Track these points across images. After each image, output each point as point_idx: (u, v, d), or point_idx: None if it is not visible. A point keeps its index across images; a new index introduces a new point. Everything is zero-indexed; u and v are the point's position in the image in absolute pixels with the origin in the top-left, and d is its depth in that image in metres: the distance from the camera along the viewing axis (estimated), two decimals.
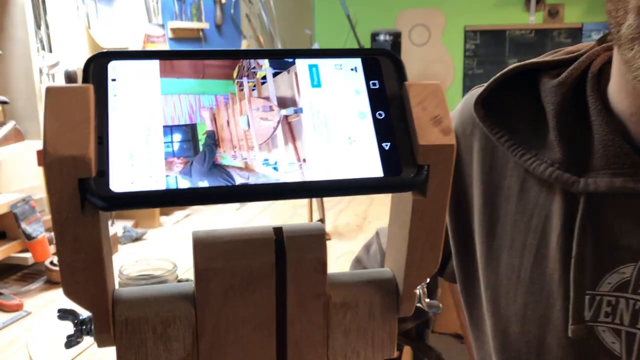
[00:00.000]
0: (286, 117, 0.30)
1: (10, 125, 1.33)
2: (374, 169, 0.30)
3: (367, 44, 3.17)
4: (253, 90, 0.30)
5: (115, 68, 0.29)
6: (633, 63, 0.52)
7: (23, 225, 1.25)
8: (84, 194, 0.26)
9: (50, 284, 1.33)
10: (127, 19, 1.83)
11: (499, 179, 0.66)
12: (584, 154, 0.60)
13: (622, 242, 0.58)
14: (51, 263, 1.32)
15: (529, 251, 0.63)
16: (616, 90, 0.59)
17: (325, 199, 1.74)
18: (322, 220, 1.71)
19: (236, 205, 1.91)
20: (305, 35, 3.50)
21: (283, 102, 0.30)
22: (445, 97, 0.31)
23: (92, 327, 0.31)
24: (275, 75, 0.31)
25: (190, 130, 0.29)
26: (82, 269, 0.28)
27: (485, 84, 0.65)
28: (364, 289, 0.33)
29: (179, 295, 0.31)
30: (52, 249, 1.35)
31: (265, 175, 0.28)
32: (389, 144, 0.30)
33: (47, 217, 1.44)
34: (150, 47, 1.94)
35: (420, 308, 0.35)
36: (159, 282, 0.92)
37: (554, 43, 3.19)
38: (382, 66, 0.32)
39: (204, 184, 0.28)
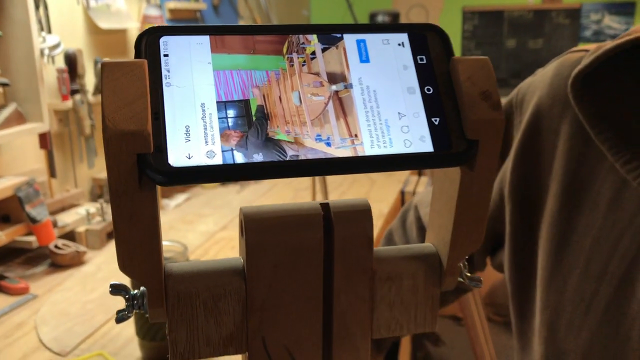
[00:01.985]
0: (337, 92, 0.30)
1: (11, 107, 1.31)
2: (424, 144, 0.30)
3: None
4: (303, 65, 0.30)
5: (166, 43, 0.29)
6: None
7: (27, 208, 1.25)
8: (142, 169, 0.26)
9: (55, 267, 1.32)
10: (125, 0, 1.81)
11: (588, 180, 0.53)
12: None
13: None
14: (55, 246, 1.32)
15: (610, 279, 0.51)
16: None
17: (328, 182, 1.74)
18: None
19: (237, 187, 1.91)
20: (303, 16, 3.47)
21: (333, 78, 0.30)
22: (493, 72, 0.31)
23: (143, 302, 0.31)
24: (324, 50, 0.31)
25: (243, 106, 0.29)
26: (138, 244, 0.28)
27: (589, 54, 0.50)
28: (408, 264, 0.34)
29: (229, 270, 0.32)
30: (56, 232, 1.35)
31: (319, 151, 0.29)
32: (438, 119, 0.30)
33: (51, 200, 1.44)
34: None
35: (461, 283, 0.35)
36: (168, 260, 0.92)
37: (552, 24, 3.19)
38: (429, 41, 0.32)
39: (259, 158, 0.28)
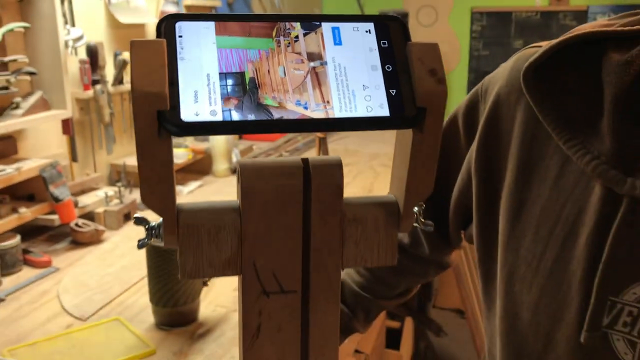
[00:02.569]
0: (314, 68, 0.38)
1: (37, 95, 1.41)
2: (383, 110, 0.38)
3: None
4: (288, 46, 0.38)
5: (181, 27, 0.37)
6: None
7: (51, 188, 1.34)
8: (160, 122, 0.35)
9: (76, 244, 1.42)
10: None
11: (538, 157, 0.60)
12: (637, 151, 0.53)
13: None
14: (76, 225, 1.41)
15: (554, 241, 0.58)
16: None
17: None
18: None
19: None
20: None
21: (311, 56, 0.38)
22: (440, 54, 0.39)
23: (160, 231, 0.39)
24: (305, 35, 0.39)
25: (240, 77, 0.37)
26: (157, 181, 0.36)
27: (541, 49, 0.56)
28: (372, 208, 0.42)
29: (228, 208, 0.40)
30: (77, 212, 1.44)
31: (298, 113, 0.37)
32: (394, 90, 0.38)
33: (71, 183, 1.53)
34: None
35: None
36: None
37: (559, 25, 3.24)
38: (391, 29, 0.40)
39: (251, 117, 0.36)
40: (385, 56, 0.39)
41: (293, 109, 0.37)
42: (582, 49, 0.56)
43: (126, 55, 1.76)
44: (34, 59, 1.42)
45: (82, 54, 1.62)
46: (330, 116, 0.37)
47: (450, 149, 0.75)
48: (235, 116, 0.36)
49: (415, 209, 0.42)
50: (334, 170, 0.40)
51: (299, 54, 0.38)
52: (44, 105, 1.41)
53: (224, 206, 0.40)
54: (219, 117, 0.35)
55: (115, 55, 1.74)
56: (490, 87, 0.66)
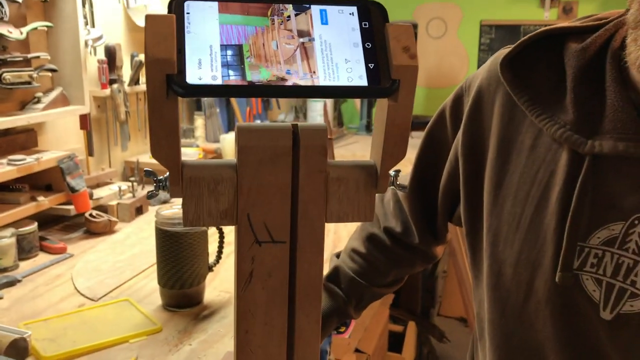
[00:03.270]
0: (303, 43, 0.44)
1: (57, 91, 1.48)
2: (362, 80, 0.43)
3: None
4: (281, 24, 0.44)
5: (189, 5, 0.43)
6: (630, 50, 0.58)
7: (68, 179, 1.41)
8: (169, 84, 0.40)
9: (90, 234, 1.49)
10: (161, 1, 1.98)
11: (515, 134, 0.70)
12: (595, 118, 0.63)
13: (616, 202, 0.62)
14: (90, 215, 1.48)
15: (531, 201, 0.67)
16: (633, 61, 0.60)
17: None
18: None
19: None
20: None
21: (301, 33, 0.44)
22: (413, 34, 0.45)
23: (166, 183, 0.45)
24: (296, 15, 0.45)
25: (238, 49, 0.43)
26: (165, 136, 0.42)
27: (514, 45, 0.68)
28: (353, 170, 0.47)
29: (226, 165, 0.46)
30: (91, 204, 1.51)
31: (288, 80, 0.42)
32: (373, 64, 0.44)
33: (87, 176, 1.60)
34: None
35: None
36: None
37: None
38: (372, 12, 0.46)
39: (246, 82, 0.42)
40: (366, 35, 0.45)
41: (284, 77, 0.43)
42: (548, 43, 0.68)
43: (142, 57, 1.84)
44: (56, 57, 1.49)
45: (101, 54, 1.69)
46: (316, 84, 0.43)
47: (438, 142, 0.83)
48: (233, 81, 0.42)
49: (392, 173, 0.47)
50: (320, 133, 0.46)
51: (290, 31, 0.44)
52: (63, 100, 1.49)
53: (223, 163, 0.46)
54: (219, 82, 0.41)
55: (132, 57, 1.82)
56: (472, 82, 0.76)
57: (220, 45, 0.43)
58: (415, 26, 2.98)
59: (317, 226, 0.48)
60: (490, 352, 0.75)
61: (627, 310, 0.63)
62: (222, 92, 0.42)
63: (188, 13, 0.43)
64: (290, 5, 0.45)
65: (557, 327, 0.67)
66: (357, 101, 3.29)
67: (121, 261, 1.32)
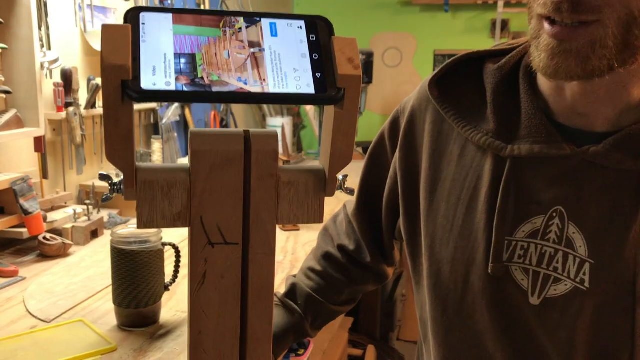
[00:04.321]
0: (254, 53, 0.47)
1: (11, 113, 1.47)
2: (309, 89, 0.46)
3: None
4: (232, 35, 0.47)
5: (144, 17, 0.45)
6: (533, 57, 0.65)
7: (21, 201, 1.39)
8: (124, 89, 0.42)
9: (43, 257, 1.46)
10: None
11: (444, 146, 0.78)
12: (512, 126, 0.71)
13: (535, 198, 0.70)
14: (44, 238, 1.46)
15: (462, 204, 0.75)
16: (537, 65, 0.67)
17: None
18: None
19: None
20: None
21: (252, 44, 0.47)
22: (357, 47, 0.48)
23: (121, 186, 0.47)
24: (247, 27, 0.47)
25: (191, 57, 0.45)
26: (119, 140, 0.44)
27: (440, 68, 0.78)
28: (303, 174, 0.50)
29: (180, 169, 0.47)
30: (45, 227, 1.49)
31: (239, 87, 0.45)
32: (320, 74, 0.47)
33: (41, 199, 1.58)
34: None
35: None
36: (145, 241, 1.07)
37: None
38: (319, 25, 0.49)
39: (199, 89, 0.44)
40: (313, 47, 0.48)
41: (235, 84, 0.45)
42: (469, 65, 0.77)
43: (99, 80, 1.83)
44: (10, 79, 1.48)
45: (57, 78, 1.69)
46: (266, 91, 0.45)
47: (380, 163, 0.90)
48: (186, 87, 0.44)
49: (340, 177, 0.50)
50: (271, 139, 0.48)
51: (242, 41, 0.47)
52: (17, 122, 1.47)
53: (177, 167, 0.48)
54: (172, 87, 0.43)
55: (89, 81, 1.82)
56: (406, 104, 0.86)
57: (174, 53, 0.45)
58: (371, 54, 3.06)
59: (269, 228, 0.50)
60: (435, 350, 0.80)
61: (551, 294, 0.70)
62: (174, 97, 0.44)
63: (143, 24, 0.45)
64: (242, 18, 0.48)
65: (493, 316, 0.73)
66: (316, 128, 3.33)
67: (75, 283, 1.30)
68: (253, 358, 0.51)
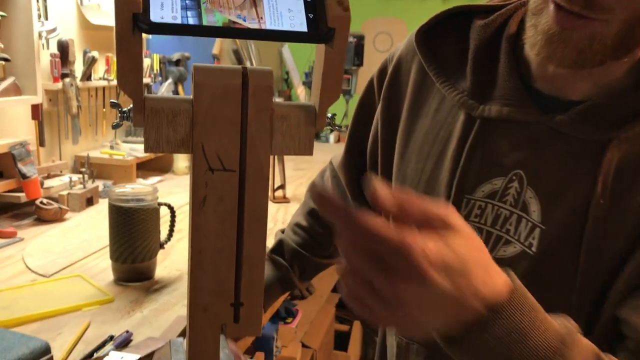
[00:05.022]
0: None
1: (10, 80, 1.50)
2: (302, 27, 0.51)
3: None
4: None
5: None
6: (529, 34, 0.65)
7: (19, 165, 1.43)
8: (135, 22, 0.47)
9: (40, 221, 1.50)
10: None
11: (424, 99, 0.78)
12: (488, 86, 0.72)
13: (498, 159, 0.70)
14: (41, 202, 1.50)
15: (431, 158, 0.76)
16: (532, 45, 0.65)
17: (287, 172, 1.95)
18: (282, 186, 1.92)
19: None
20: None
21: None
22: None
23: (130, 114, 0.51)
24: None
25: None
26: (130, 70, 0.48)
27: (429, 19, 0.78)
28: (295, 109, 0.54)
29: (184, 99, 0.52)
30: (42, 192, 1.53)
31: (239, 23, 0.49)
32: (312, 15, 0.51)
33: (38, 167, 1.61)
34: None
35: None
36: (141, 200, 1.11)
37: None
38: None
39: (202, 23, 0.48)
40: None
41: (235, 20, 0.50)
42: (458, 18, 0.77)
43: (95, 53, 1.87)
44: (8, 47, 1.52)
45: (54, 48, 1.72)
46: (263, 27, 0.50)
47: (367, 110, 0.91)
48: (191, 21, 0.48)
49: (329, 115, 0.55)
50: (266, 75, 0.53)
51: None
52: (15, 90, 1.51)
53: (181, 98, 0.52)
54: (178, 21, 0.48)
55: (85, 53, 1.85)
56: (395, 53, 0.86)
57: None
58: (362, 37, 3.10)
59: (263, 157, 0.54)
60: None
61: (500, 255, 0.71)
62: (180, 30, 0.48)
63: None
64: None
65: None
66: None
67: (72, 244, 1.35)
68: (248, 275, 0.56)
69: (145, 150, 0.52)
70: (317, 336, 2.16)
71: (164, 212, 1.17)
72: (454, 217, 0.51)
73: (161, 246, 1.18)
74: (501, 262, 0.69)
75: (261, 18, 0.50)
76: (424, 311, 0.48)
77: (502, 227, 0.71)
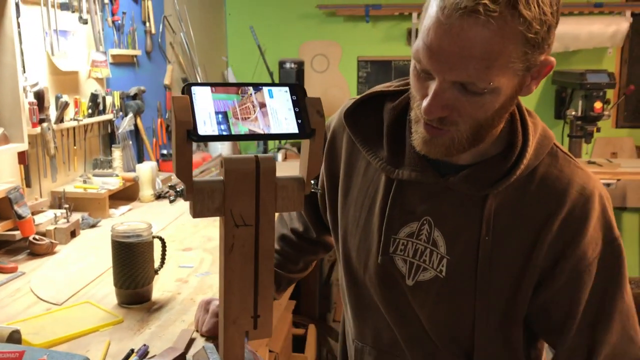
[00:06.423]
0: (260, 109, 0.77)
1: None
2: (294, 129, 0.77)
3: (275, 70, 3.66)
4: (247, 98, 0.77)
5: (195, 90, 0.75)
6: (414, 137, 0.89)
7: (15, 207, 1.61)
8: (188, 135, 0.72)
9: (33, 255, 1.68)
10: (79, 48, 2.21)
11: (355, 162, 1.04)
12: (399, 155, 0.96)
13: (412, 209, 0.96)
14: (34, 238, 1.68)
15: (364, 208, 1.02)
16: (416, 144, 0.90)
17: None
18: None
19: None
20: (222, 61, 3.94)
21: (260, 104, 0.77)
22: (321, 103, 0.79)
23: (182, 192, 0.76)
24: (255, 92, 0.78)
25: (225, 114, 0.75)
26: (184, 166, 0.73)
27: (353, 101, 1.02)
28: (291, 180, 0.80)
29: (217, 181, 0.77)
30: (34, 229, 1.71)
31: (254, 131, 0.75)
32: (300, 121, 0.78)
33: (30, 203, 1.79)
34: (96, 71, 2.32)
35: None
36: (140, 235, 1.34)
37: None
38: (297, 89, 0.79)
39: (232, 133, 0.74)
40: (295, 104, 0.79)
41: (252, 129, 0.75)
42: (374, 101, 1.02)
43: (66, 97, 2.05)
44: None
45: (31, 97, 1.90)
46: (270, 132, 0.76)
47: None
48: (224, 132, 0.74)
49: (312, 182, 0.81)
50: (271, 161, 0.79)
51: (253, 102, 0.77)
52: (4, 139, 1.69)
53: (216, 180, 0.78)
54: (216, 133, 0.73)
55: (57, 98, 2.03)
56: (330, 124, 1.13)
57: (215, 112, 0.75)
58: (302, 63, 3.37)
59: (271, 215, 0.80)
60: (350, 311, 1.11)
61: (421, 279, 0.96)
62: (219, 139, 0.74)
63: (194, 94, 0.75)
64: (251, 87, 0.78)
65: (382, 292, 1.00)
66: None
67: (72, 273, 1.54)
68: (262, 296, 0.82)
69: (193, 216, 0.77)
70: (279, 341, 2.40)
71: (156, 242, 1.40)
72: None
73: (156, 272, 1.40)
74: (421, 284, 0.98)
75: (268, 125, 0.76)
76: None
77: (420, 258, 0.96)
